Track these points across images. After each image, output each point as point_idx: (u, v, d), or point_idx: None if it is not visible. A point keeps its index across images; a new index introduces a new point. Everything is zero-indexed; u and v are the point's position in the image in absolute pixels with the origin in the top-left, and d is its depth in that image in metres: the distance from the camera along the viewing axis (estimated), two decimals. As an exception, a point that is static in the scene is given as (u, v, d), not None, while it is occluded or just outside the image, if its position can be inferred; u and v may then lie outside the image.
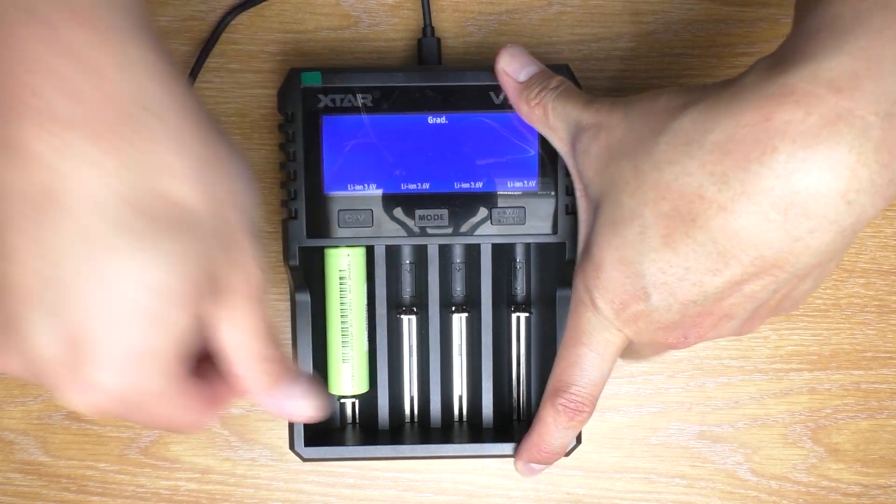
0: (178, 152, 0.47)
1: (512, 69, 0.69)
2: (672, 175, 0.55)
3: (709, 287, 0.56)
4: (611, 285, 0.60)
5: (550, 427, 0.67)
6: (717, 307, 0.58)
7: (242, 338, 0.52)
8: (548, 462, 0.71)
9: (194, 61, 0.79)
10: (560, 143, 0.66)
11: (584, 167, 0.63)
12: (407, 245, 0.76)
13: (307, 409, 0.57)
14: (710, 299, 0.57)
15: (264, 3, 0.79)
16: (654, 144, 0.56)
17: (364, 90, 0.72)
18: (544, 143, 0.72)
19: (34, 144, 0.44)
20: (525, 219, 0.73)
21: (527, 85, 0.68)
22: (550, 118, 0.66)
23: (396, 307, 0.78)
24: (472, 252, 0.77)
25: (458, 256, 0.78)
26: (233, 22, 0.79)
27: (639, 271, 0.58)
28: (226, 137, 0.51)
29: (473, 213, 0.73)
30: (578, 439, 0.74)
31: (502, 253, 0.77)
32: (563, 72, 0.72)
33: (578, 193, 0.65)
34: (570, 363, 0.64)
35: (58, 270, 0.46)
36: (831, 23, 0.51)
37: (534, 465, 0.72)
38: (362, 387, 0.76)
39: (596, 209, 0.61)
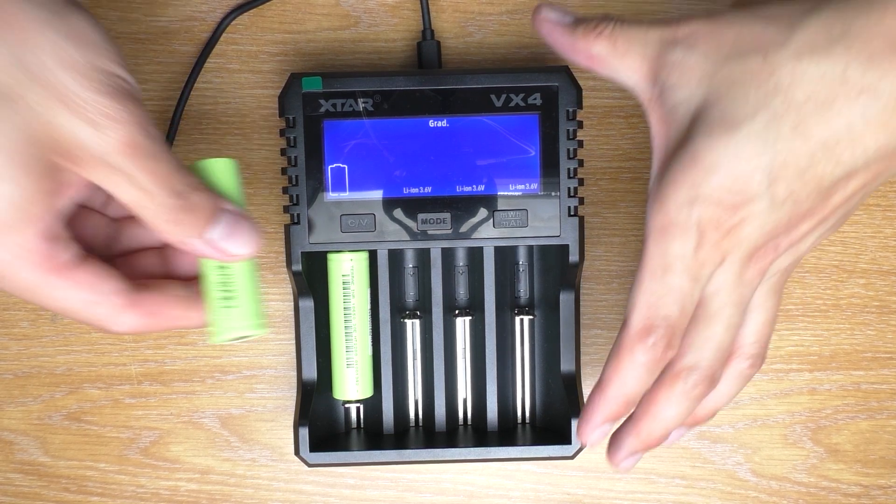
0: None
1: (555, 16, 0.65)
2: (813, 62, 0.55)
3: (826, 179, 0.57)
4: (723, 186, 0.57)
5: (640, 373, 0.61)
6: (822, 206, 0.58)
7: (138, 193, 0.54)
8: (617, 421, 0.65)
9: (194, 62, 0.79)
10: (632, 70, 0.62)
11: (679, 81, 0.60)
12: (409, 249, 0.76)
13: (246, 243, 0.59)
14: (821, 194, 0.57)
15: (264, 4, 0.79)
16: (790, 36, 0.56)
17: (364, 94, 0.72)
18: (545, 145, 0.72)
19: None
20: (527, 221, 0.73)
21: (579, 22, 0.64)
22: (619, 43, 0.62)
23: (400, 311, 0.78)
24: (475, 255, 0.77)
25: (460, 259, 0.78)
26: (233, 22, 0.79)
27: (760, 165, 0.56)
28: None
29: (475, 216, 0.73)
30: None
31: (505, 255, 0.77)
32: (562, 73, 0.72)
33: (654, 121, 0.62)
34: (661, 295, 0.59)
35: None
36: None
37: (605, 428, 0.64)
38: (367, 391, 0.76)
39: (696, 118, 0.59)
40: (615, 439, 0.65)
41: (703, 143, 0.57)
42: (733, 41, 0.58)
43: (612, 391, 0.62)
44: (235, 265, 0.61)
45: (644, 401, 0.63)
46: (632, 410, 0.64)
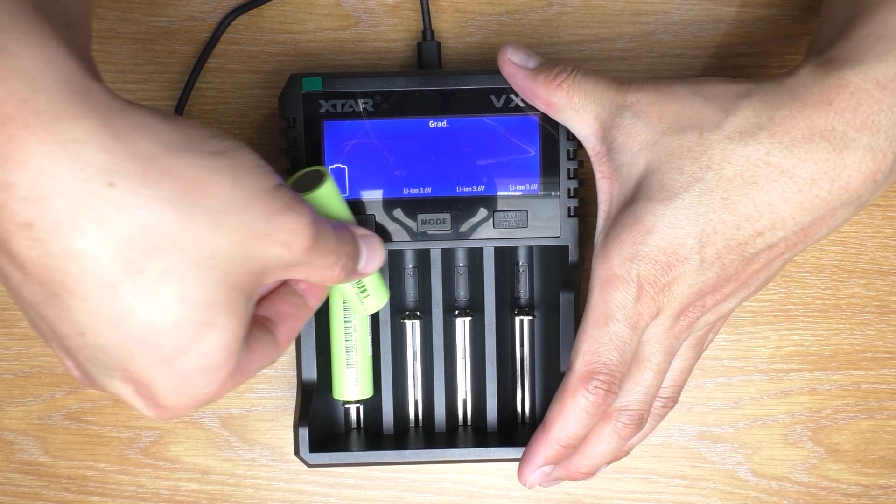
0: (144, 184, 0.48)
1: (519, 59, 0.70)
2: (742, 144, 0.62)
3: (749, 247, 0.63)
4: (659, 247, 0.63)
5: (581, 416, 0.66)
6: (744, 271, 0.64)
7: (314, 272, 0.58)
8: (565, 463, 0.70)
9: (195, 62, 0.79)
10: (584, 125, 0.68)
11: (624, 143, 0.66)
12: (409, 249, 0.76)
13: (381, 258, 0.64)
14: (745, 260, 0.64)
15: (264, 4, 0.79)
16: (725, 119, 0.63)
17: (365, 95, 0.72)
18: (545, 146, 0.72)
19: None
20: (527, 221, 0.73)
21: (540, 69, 0.69)
22: (575, 98, 0.67)
23: (400, 312, 0.78)
24: (475, 255, 0.77)
25: (460, 260, 0.78)
26: (233, 22, 0.79)
27: (692, 231, 0.63)
28: (181, 135, 0.51)
29: (475, 217, 0.73)
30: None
31: (505, 256, 0.77)
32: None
33: (600, 176, 0.68)
34: (603, 342, 0.65)
35: (93, 335, 0.50)
36: (879, 30, 0.61)
37: (545, 469, 0.70)
38: (366, 392, 0.76)
39: (639, 182, 0.65)
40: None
41: (644, 207, 0.64)
42: (675, 115, 0.64)
43: (553, 434, 0.67)
44: None
45: None
46: (570, 453, 0.69)
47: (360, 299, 0.69)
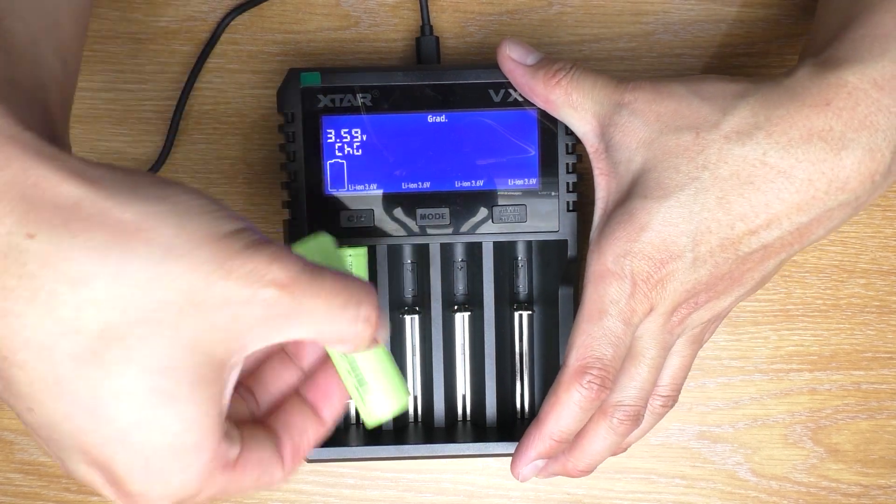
0: (69, 236, 0.45)
1: (518, 55, 0.70)
2: (738, 144, 0.62)
3: (743, 247, 0.63)
4: (652, 244, 0.63)
5: (575, 410, 0.66)
6: (738, 269, 0.64)
7: (313, 327, 0.51)
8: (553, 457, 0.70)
9: (194, 62, 0.79)
10: (582, 122, 0.68)
11: (622, 141, 0.66)
12: (408, 244, 0.76)
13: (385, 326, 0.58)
14: (738, 259, 0.64)
15: (264, 4, 0.79)
16: (722, 119, 0.63)
17: (363, 90, 0.72)
18: (544, 141, 0.72)
19: None
20: (526, 216, 0.73)
21: (539, 66, 0.69)
22: (574, 96, 0.68)
23: (398, 307, 0.78)
24: (474, 251, 0.76)
25: (459, 255, 0.78)
26: (233, 22, 0.79)
27: (686, 229, 0.63)
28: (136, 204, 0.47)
29: (474, 212, 0.73)
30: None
31: (504, 251, 0.77)
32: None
33: (597, 172, 0.68)
34: (596, 337, 0.65)
35: (40, 409, 0.47)
36: (874, 31, 0.61)
37: (538, 463, 0.70)
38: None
39: (635, 179, 0.65)
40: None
41: (639, 204, 0.64)
42: (672, 114, 0.64)
43: (547, 428, 0.67)
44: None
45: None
46: (564, 448, 0.69)
47: (360, 394, 0.59)
